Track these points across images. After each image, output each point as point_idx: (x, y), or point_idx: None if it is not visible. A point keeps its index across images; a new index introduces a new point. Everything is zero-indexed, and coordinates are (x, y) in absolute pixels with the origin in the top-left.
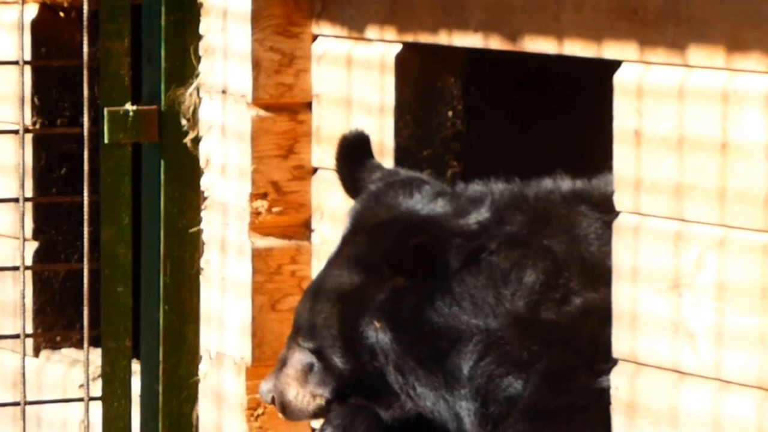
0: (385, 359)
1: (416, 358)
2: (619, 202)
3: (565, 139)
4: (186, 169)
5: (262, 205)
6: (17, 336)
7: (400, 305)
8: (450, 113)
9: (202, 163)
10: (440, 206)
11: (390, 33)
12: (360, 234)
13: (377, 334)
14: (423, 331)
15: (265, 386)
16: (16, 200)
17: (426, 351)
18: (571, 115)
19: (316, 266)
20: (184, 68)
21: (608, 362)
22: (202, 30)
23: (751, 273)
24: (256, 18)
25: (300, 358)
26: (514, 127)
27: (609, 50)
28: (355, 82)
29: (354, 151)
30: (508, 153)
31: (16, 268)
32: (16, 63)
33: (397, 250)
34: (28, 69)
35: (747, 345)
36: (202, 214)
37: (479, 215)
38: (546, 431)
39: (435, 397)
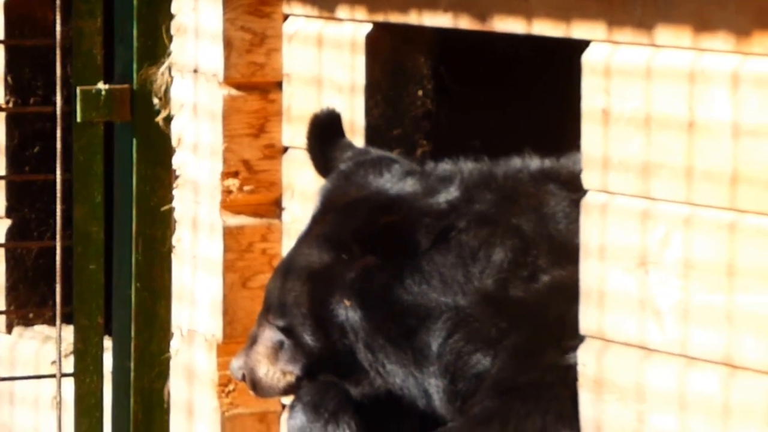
0: (355, 337)
1: (386, 336)
2: (587, 180)
3: (534, 119)
4: (158, 148)
5: (233, 183)
6: None
7: (369, 284)
8: (420, 93)
9: (173, 142)
10: (410, 185)
11: (360, 13)
12: (330, 213)
13: (347, 312)
14: (393, 309)
15: (236, 363)
16: None
17: (395, 329)
18: (539, 94)
19: (287, 244)
20: (156, 47)
21: (575, 339)
22: (174, 9)
23: (717, 251)
24: None
25: (270, 335)
26: (483, 106)
27: (577, 30)
28: (325, 61)
29: (325, 130)
30: (478, 132)
31: None
32: None
33: (366, 229)
34: (1, 48)
35: (713, 322)
36: (174, 192)
37: (448, 194)
38: (513, 407)
39: (404, 374)
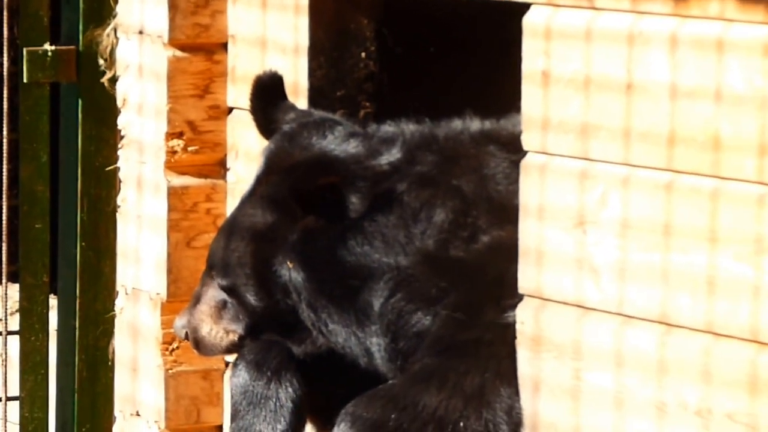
0: (298, 297)
1: (328, 297)
2: (527, 141)
3: (475, 80)
4: (103, 109)
5: (178, 144)
6: None
7: (312, 245)
8: (363, 54)
9: (119, 103)
10: (353, 147)
11: None
12: (273, 174)
13: (290, 273)
14: (335, 269)
15: (180, 322)
16: None
17: (338, 289)
18: (480, 56)
19: (231, 204)
20: (102, 9)
21: (514, 298)
22: None
23: (654, 210)
24: None
25: (214, 294)
26: (425, 68)
27: None
28: (270, 23)
29: (268, 92)
30: (420, 94)
31: None
32: None
33: (305, 189)
34: None
35: (649, 281)
36: (119, 152)
37: (391, 156)
38: (453, 365)
39: (346, 334)
